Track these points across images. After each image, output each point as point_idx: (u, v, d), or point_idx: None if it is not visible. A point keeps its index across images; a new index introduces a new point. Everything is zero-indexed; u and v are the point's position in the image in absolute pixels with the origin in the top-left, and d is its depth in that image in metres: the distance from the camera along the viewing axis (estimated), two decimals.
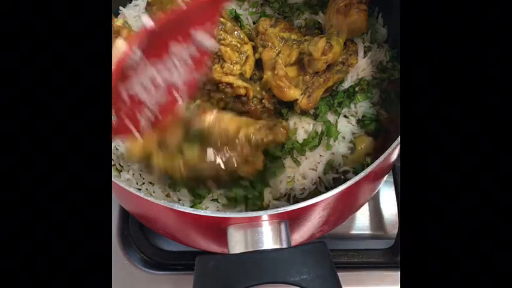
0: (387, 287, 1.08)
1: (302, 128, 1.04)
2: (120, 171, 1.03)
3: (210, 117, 0.86)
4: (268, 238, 0.76)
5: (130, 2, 1.18)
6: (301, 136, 1.04)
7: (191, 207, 0.97)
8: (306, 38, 1.04)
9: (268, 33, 1.02)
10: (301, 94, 0.99)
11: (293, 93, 0.99)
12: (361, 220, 1.18)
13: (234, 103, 1.03)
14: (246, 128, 0.88)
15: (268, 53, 1.01)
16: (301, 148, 1.02)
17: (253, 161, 0.89)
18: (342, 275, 0.74)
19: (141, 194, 0.79)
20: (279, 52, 1.00)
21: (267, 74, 1.00)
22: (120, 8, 1.15)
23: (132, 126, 0.77)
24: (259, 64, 1.05)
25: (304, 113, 1.03)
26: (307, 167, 1.02)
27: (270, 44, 1.02)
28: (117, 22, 1.02)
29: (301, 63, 1.00)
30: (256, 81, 1.05)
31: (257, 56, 1.05)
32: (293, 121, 1.04)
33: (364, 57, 1.10)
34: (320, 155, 1.03)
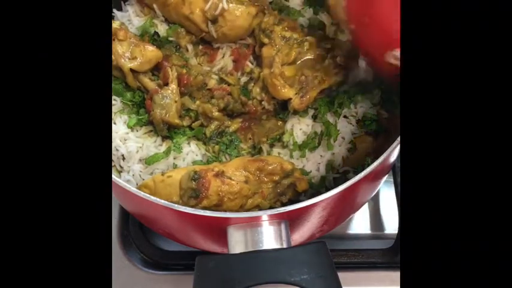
0: (387, 287, 1.08)
1: (300, 129, 1.04)
2: (120, 172, 1.03)
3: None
4: (268, 238, 0.76)
5: (124, 4, 1.17)
6: (299, 138, 1.03)
7: None
8: (307, 38, 1.04)
9: (274, 30, 1.02)
10: (296, 94, 0.99)
11: (287, 92, 0.99)
12: (361, 220, 1.18)
13: (235, 104, 1.04)
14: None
15: (268, 50, 1.01)
16: (300, 149, 1.02)
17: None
18: (342, 275, 0.74)
19: (141, 194, 0.79)
20: (278, 50, 1.00)
21: (264, 71, 1.01)
22: (114, 10, 1.15)
23: None
24: (260, 62, 1.06)
25: (296, 112, 1.03)
26: (309, 169, 1.02)
27: (271, 41, 1.02)
28: (114, 24, 1.02)
29: (302, 62, 1.01)
30: (257, 81, 1.05)
31: (258, 52, 1.05)
32: (291, 122, 1.04)
33: None
34: (321, 156, 1.03)
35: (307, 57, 1.02)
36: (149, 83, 1.03)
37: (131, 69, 1.01)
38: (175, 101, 1.00)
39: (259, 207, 0.91)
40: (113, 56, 1.00)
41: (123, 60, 1.00)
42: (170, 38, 1.09)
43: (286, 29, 1.04)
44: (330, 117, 1.05)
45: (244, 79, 1.08)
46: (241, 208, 0.89)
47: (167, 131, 1.02)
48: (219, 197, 0.87)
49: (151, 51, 1.02)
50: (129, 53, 1.01)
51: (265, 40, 1.03)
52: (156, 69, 1.06)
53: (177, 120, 1.00)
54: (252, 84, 1.06)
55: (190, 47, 1.09)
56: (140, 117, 1.03)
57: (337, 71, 1.02)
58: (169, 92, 1.01)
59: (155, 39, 1.08)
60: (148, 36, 1.08)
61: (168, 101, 1.00)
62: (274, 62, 0.99)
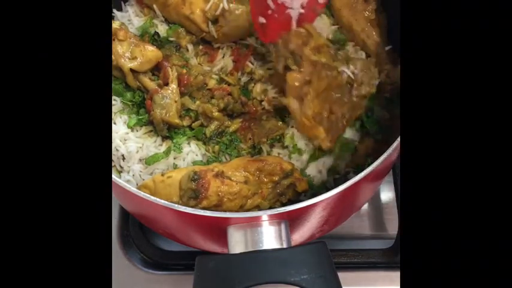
0: (387, 287, 1.08)
1: (305, 144, 1.03)
2: (120, 172, 1.03)
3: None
4: (268, 238, 0.76)
5: (125, 4, 1.17)
6: (303, 146, 1.03)
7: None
8: (335, 63, 0.94)
9: (305, 53, 0.91)
10: (326, 134, 0.92)
11: (318, 132, 0.91)
12: (361, 220, 1.18)
13: (235, 104, 1.03)
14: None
15: (295, 77, 0.91)
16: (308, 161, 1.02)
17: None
18: (342, 275, 0.74)
19: (141, 194, 0.79)
20: (309, 82, 0.91)
21: (292, 105, 0.92)
22: (114, 11, 1.15)
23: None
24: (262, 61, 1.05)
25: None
26: (311, 173, 1.02)
27: (299, 67, 0.92)
28: (114, 24, 1.02)
29: (328, 94, 0.93)
30: (257, 81, 1.05)
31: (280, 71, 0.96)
32: (293, 130, 1.04)
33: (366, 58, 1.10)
34: (324, 162, 1.02)
35: (335, 90, 0.94)
36: (149, 82, 1.03)
37: (131, 69, 1.01)
38: (176, 101, 1.00)
39: (259, 208, 0.91)
40: (113, 56, 1.00)
41: (123, 60, 1.00)
42: (170, 38, 1.09)
43: (313, 50, 0.93)
44: None
45: (244, 79, 1.08)
46: (241, 208, 0.89)
47: (167, 131, 1.02)
48: (219, 198, 0.87)
49: (151, 51, 1.02)
50: (129, 53, 1.01)
51: (294, 67, 0.92)
52: (156, 69, 1.06)
53: (177, 120, 1.00)
54: (252, 84, 1.06)
55: (190, 47, 1.09)
56: (140, 117, 1.03)
57: (361, 102, 0.97)
58: (170, 92, 1.01)
59: (155, 39, 1.08)
60: (148, 36, 1.08)
61: (168, 101, 1.00)
62: (307, 102, 0.90)
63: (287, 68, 0.93)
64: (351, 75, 0.94)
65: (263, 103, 1.04)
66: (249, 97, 1.04)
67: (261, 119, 1.04)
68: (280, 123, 1.04)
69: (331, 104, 0.93)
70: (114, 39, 1.01)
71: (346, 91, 0.94)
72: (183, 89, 1.04)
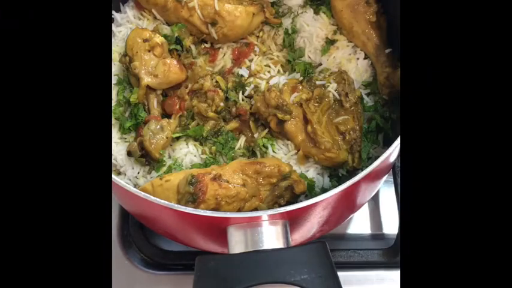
0: (387, 287, 1.08)
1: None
2: (120, 173, 1.03)
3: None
4: (268, 238, 0.76)
5: (123, 5, 1.16)
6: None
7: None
8: (315, 91, 1.00)
9: (287, 101, 0.97)
10: (348, 154, 0.97)
11: (343, 156, 0.96)
12: (361, 220, 1.18)
13: (223, 109, 1.03)
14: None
15: (293, 126, 0.97)
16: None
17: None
18: (342, 275, 0.74)
19: (141, 194, 0.79)
20: (307, 121, 0.96)
21: (310, 150, 0.96)
22: (114, 12, 1.14)
23: None
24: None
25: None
26: (311, 174, 1.02)
27: (288, 113, 0.97)
28: (157, 39, 1.03)
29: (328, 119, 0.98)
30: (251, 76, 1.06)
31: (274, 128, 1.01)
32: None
33: (365, 59, 1.10)
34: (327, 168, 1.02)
35: (331, 112, 1.00)
36: (154, 108, 1.03)
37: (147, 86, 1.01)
38: (167, 137, 0.99)
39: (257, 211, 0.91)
40: (136, 63, 1.00)
41: (143, 72, 1.01)
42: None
43: (291, 92, 0.99)
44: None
45: (238, 70, 1.07)
46: (239, 211, 0.89)
47: (141, 157, 1.00)
48: (217, 201, 0.86)
49: (174, 74, 1.02)
50: (152, 68, 1.01)
51: (287, 117, 0.97)
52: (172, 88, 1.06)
53: (157, 155, 0.98)
54: (245, 78, 1.05)
55: (193, 47, 1.09)
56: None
57: (357, 109, 1.01)
58: (166, 124, 1.00)
59: (176, 50, 1.08)
60: (170, 44, 1.07)
61: (160, 134, 0.99)
62: (318, 137, 0.95)
63: (279, 123, 0.98)
64: (335, 94, 1.00)
65: (252, 100, 1.03)
66: (238, 100, 1.04)
67: (250, 121, 1.04)
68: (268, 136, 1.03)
69: (337, 125, 0.98)
70: (150, 50, 1.01)
71: (339, 107, 1.00)
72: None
